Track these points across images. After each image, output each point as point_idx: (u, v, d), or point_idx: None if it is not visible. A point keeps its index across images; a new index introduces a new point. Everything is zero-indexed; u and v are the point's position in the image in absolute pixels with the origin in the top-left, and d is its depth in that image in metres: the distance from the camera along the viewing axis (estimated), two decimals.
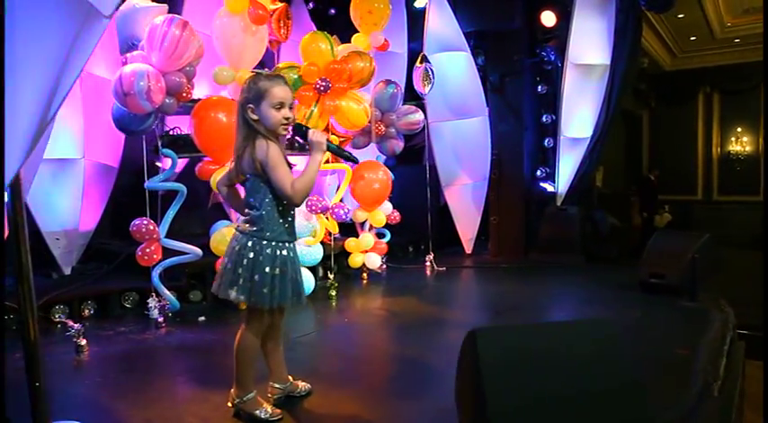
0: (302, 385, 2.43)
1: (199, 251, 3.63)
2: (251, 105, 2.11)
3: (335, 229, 4.53)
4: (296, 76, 3.98)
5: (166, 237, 3.58)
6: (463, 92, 5.85)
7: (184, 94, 3.48)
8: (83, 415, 2.19)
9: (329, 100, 3.99)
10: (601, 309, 3.96)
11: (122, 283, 3.99)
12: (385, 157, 5.28)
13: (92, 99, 4.25)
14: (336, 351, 3.23)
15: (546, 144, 6.01)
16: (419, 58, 5.28)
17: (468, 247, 6.21)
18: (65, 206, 4.23)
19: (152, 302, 3.59)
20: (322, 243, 4.39)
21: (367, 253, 4.86)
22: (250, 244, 2.13)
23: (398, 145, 5.10)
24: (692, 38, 9.37)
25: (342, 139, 4.67)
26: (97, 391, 2.56)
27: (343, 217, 4.24)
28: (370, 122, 4.67)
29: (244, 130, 2.15)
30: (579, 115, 5.66)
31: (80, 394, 2.53)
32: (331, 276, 4.44)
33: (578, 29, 5.43)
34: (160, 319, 3.54)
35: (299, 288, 2.22)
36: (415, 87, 5.26)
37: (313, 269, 4.44)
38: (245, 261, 2.12)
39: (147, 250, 3.47)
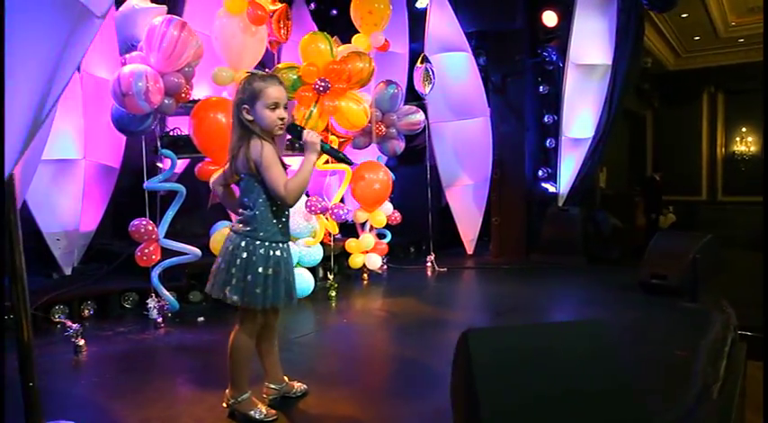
0: (298, 386, 2.42)
1: (198, 252, 3.63)
2: (246, 106, 2.12)
3: (335, 230, 4.53)
4: (295, 77, 3.98)
5: (168, 237, 3.59)
6: (464, 92, 5.84)
7: (183, 95, 3.49)
8: (78, 415, 2.20)
9: (329, 100, 3.98)
10: (601, 310, 3.94)
11: (122, 284, 4.00)
12: (386, 157, 5.27)
13: (92, 100, 4.27)
14: (334, 351, 3.23)
15: (548, 144, 5.98)
16: (420, 58, 5.27)
17: (470, 248, 6.19)
18: (65, 207, 4.24)
19: (151, 303, 3.60)
20: (322, 244, 4.39)
21: (367, 253, 4.85)
22: (243, 244, 2.13)
23: (399, 145, 5.09)
24: (696, 37, 9.33)
25: (342, 140, 4.67)
26: (93, 392, 2.56)
27: (343, 217, 4.23)
28: (370, 123, 4.67)
29: (239, 131, 2.15)
30: (581, 115, 5.64)
31: (76, 394, 2.53)
32: (331, 277, 4.43)
33: (579, 29, 5.41)
34: (159, 320, 3.55)
35: (291, 289, 2.22)
36: (416, 88, 5.25)
37: (313, 270, 4.43)
38: (238, 261, 2.12)
39: (146, 251, 3.48)
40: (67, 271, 4.31)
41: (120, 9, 3.61)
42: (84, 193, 4.38)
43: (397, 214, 4.94)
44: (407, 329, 3.58)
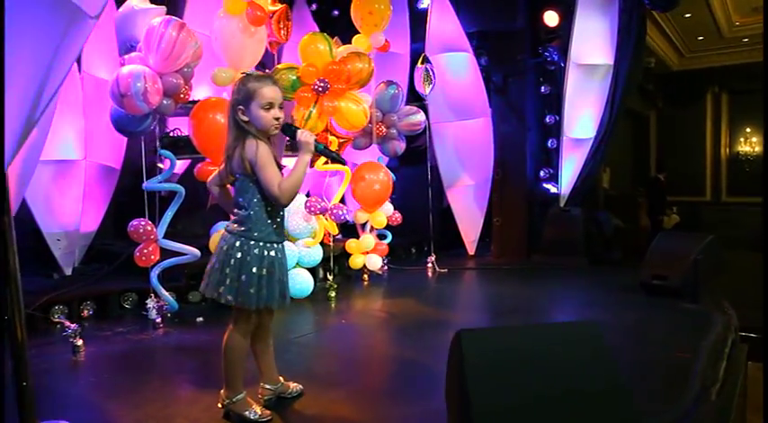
0: (293, 386, 2.42)
1: (197, 252, 3.63)
2: (241, 107, 2.12)
3: (335, 231, 4.52)
4: (294, 77, 3.98)
5: (168, 238, 3.60)
6: (465, 93, 5.83)
7: (182, 96, 3.49)
8: (74, 415, 2.20)
9: (328, 101, 3.98)
10: (602, 311, 3.92)
11: (122, 284, 4.01)
12: (387, 158, 5.27)
13: (93, 101, 4.28)
14: (333, 352, 3.22)
15: (549, 145, 5.96)
16: (420, 58, 5.27)
17: (471, 249, 6.18)
18: (65, 207, 4.25)
19: (150, 303, 3.60)
20: (322, 244, 4.39)
21: (368, 254, 4.84)
22: (238, 244, 2.13)
23: (400, 146, 5.09)
24: (700, 37, 9.29)
25: (342, 141, 4.67)
26: (90, 391, 2.57)
27: (342, 218, 4.23)
28: (370, 123, 4.67)
29: (234, 131, 2.16)
30: (583, 116, 5.61)
31: (73, 394, 2.54)
32: (330, 278, 4.43)
33: (580, 29, 5.38)
34: (158, 320, 3.55)
35: (285, 289, 2.22)
36: (416, 88, 5.25)
37: (313, 270, 4.44)
38: (232, 261, 2.12)
39: (145, 251, 3.48)
40: (68, 271, 4.32)
41: (120, 10, 3.62)
42: (85, 193, 4.39)
43: (398, 215, 4.94)
44: (407, 330, 3.57)
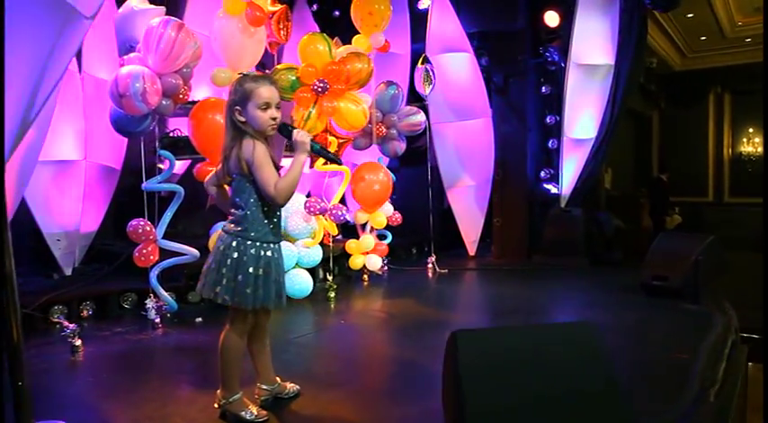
0: (290, 387, 2.42)
1: (196, 252, 3.63)
2: (238, 107, 2.13)
3: (334, 231, 4.52)
4: (294, 78, 3.98)
5: (169, 238, 3.60)
6: (466, 93, 5.83)
7: (181, 96, 3.49)
8: (70, 415, 2.20)
9: (327, 101, 3.98)
10: (602, 311, 3.91)
11: (121, 284, 4.01)
12: (387, 158, 5.27)
13: (93, 101, 4.29)
14: (331, 352, 3.22)
15: (550, 145, 5.95)
16: (420, 58, 5.27)
17: (472, 250, 6.17)
18: (65, 207, 4.25)
19: (149, 303, 3.60)
20: (322, 244, 4.39)
21: (368, 255, 4.84)
22: (234, 244, 2.14)
23: (400, 146, 5.08)
24: (702, 38, 9.27)
25: (341, 141, 4.67)
26: (87, 391, 2.57)
27: (342, 218, 4.22)
28: (370, 124, 4.67)
29: (231, 132, 2.17)
30: (583, 116, 5.60)
31: (70, 394, 2.54)
32: (330, 278, 4.43)
33: (581, 29, 5.37)
34: (157, 320, 3.55)
35: (281, 290, 2.22)
36: (416, 88, 5.24)
37: (313, 270, 4.44)
38: (228, 261, 2.12)
39: (144, 251, 3.48)
40: (68, 271, 4.33)
41: (119, 10, 3.62)
42: (85, 193, 4.39)
43: (398, 215, 4.94)
44: (406, 331, 3.57)
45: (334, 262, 4.70)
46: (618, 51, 5.37)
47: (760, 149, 10.22)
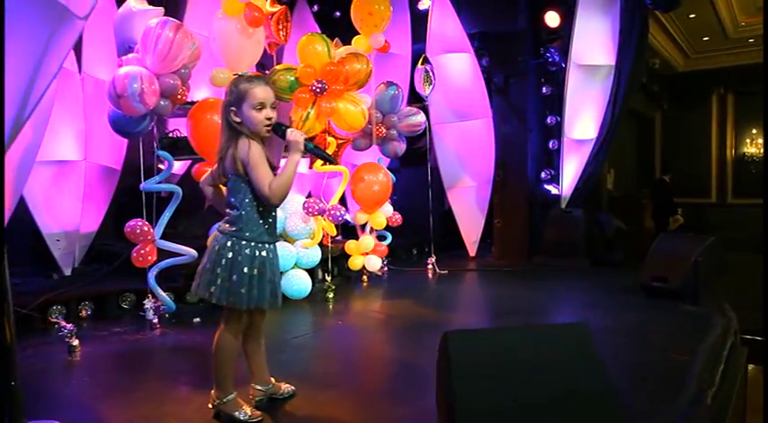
0: (285, 387, 2.41)
1: (194, 252, 3.63)
2: (233, 108, 2.14)
3: (333, 231, 4.52)
4: (293, 78, 3.97)
5: (169, 238, 3.61)
6: (467, 94, 5.82)
7: (179, 97, 3.50)
8: (64, 415, 2.20)
9: (326, 102, 3.97)
10: (601, 312, 3.89)
11: (120, 285, 4.02)
12: (388, 159, 5.27)
13: (93, 102, 4.30)
14: (328, 353, 3.22)
15: (550, 146, 5.93)
16: (420, 59, 5.26)
17: (472, 250, 6.16)
18: (65, 208, 4.26)
19: (148, 304, 3.60)
20: (321, 245, 4.39)
21: (367, 255, 4.83)
22: (229, 244, 2.14)
23: (400, 147, 5.08)
24: (705, 38, 9.22)
25: (341, 141, 4.67)
26: (83, 391, 2.57)
27: (340, 219, 4.22)
28: (370, 124, 4.66)
29: (227, 132, 2.18)
30: (584, 117, 5.58)
31: (65, 394, 2.55)
32: (328, 279, 4.42)
33: (581, 29, 5.35)
34: (155, 321, 3.55)
35: (276, 290, 2.21)
36: (416, 89, 5.24)
37: (312, 271, 4.43)
38: (223, 261, 2.12)
39: (142, 252, 3.49)
40: (67, 272, 4.34)
41: (118, 11, 3.63)
42: (85, 194, 4.40)
43: (398, 216, 4.93)
44: (403, 331, 3.56)
45: (334, 263, 4.70)
46: (619, 52, 5.35)
47: (763, 150, 10.17)
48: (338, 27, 5.61)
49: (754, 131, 10.24)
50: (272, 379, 2.38)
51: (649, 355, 2.96)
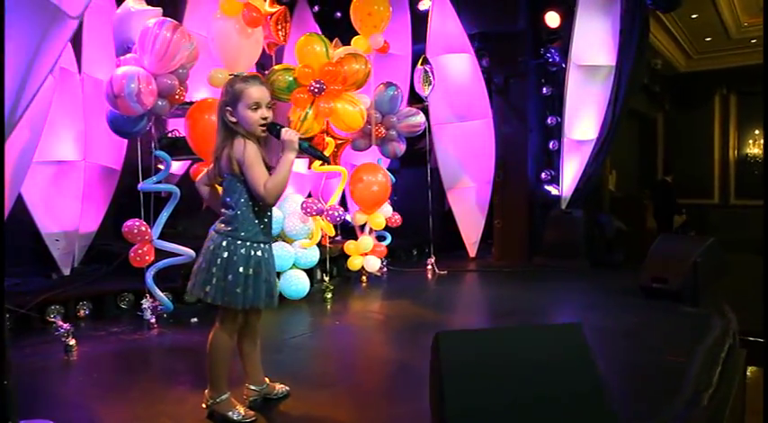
0: (279, 387, 2.41)
1: (192, 252, 3.62)
2: (229, 108, 2.14)
3: (331, 232, 4.51)
4: (291, 78, 3.98)
5: (170, 239, 3.61)
6: (467, 94, 5.81)
7: (177, 97, 3.50)
8: (58, 414, 2.20)
9: (324, 102, 3.97)
10: (600, 314, 3.87)
11: (119, 285, 4.02)
12: (388, 159, 5.26)
13: (93, 102, 4.30)
14: (324, 353, 3.21)
15: (551, 146, 5.91)
16: (420, 59, 5.26)
17: (472, 251, 6.15)
18: (64, 208, 4.27)
19: (146, 304, 3.61)
20: (321, 245, 4.39)
21: (366, 256, 4.83)
22: (224, 244, 2.14)
23: (400, 147, 5.07)
24: (707, 38, 9.18)
25: (340, 142, 4.66)
26: (77, 391, 2.58)
27: (338, 219, 4.21)
28: (369, 124, 4.66)
29: (223, 132, 2.18)
30: (584, 117, 5.56)
31: (59, 393, 2.55)
32: (326, 279, 4.42)
33: (581, 29, 5.34)
34: (153, 321, 3.55)
35: (272, 289, 2.22)
36: (416, 89, 5.24)
37: (310, 271, 4.43)
38: (218, 260, 2.13)
39: (140, 251, 3.49)
40: (66, 272, 4.35)
41: (117, 11, 3.64)
42: (85, 194, 4.41)
43: (397, 217, 4.92)
44: (401, 332, 3.56)
45: (334, 263, 4.69)
46: (619, 52, 5.33)
47: (763, 151, 10.13)
48: (339, 28, 5.61)
49: (756, 132, 10.19)
50: (267, 379, 2.38)
51: (647, 357, 2.94)
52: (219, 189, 2.32)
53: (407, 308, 4.19)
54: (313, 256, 4.30)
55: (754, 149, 10.20)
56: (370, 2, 4.51)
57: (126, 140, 4.45)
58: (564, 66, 5.59)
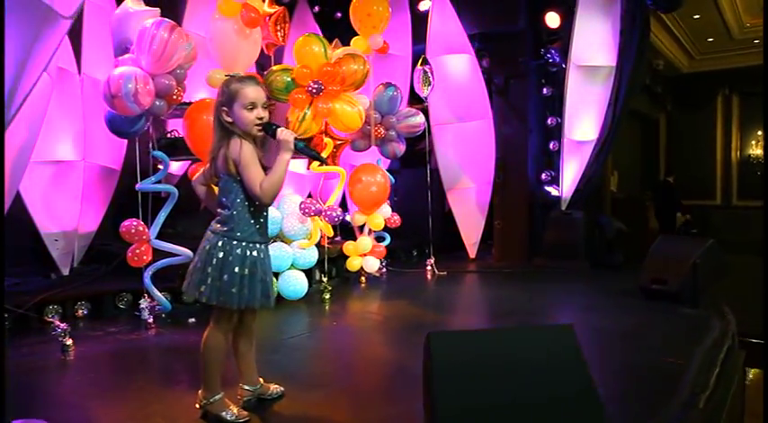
0: (273, 388, 2.41)
1: (189, 252, 3.63)
2: (225, 108, 2.14)
3: (330, 232, 4.51)
4: (289, 79, 3.98)
5: (170, 239, 3.61)
6: (467, 94, 5.80)
7: (175, 97, 3.50)
8: (52, 414, 2.20)
9: (322, 103, 3.97)
10: (600, 315, 3.85)
11: (117, 285, 4.03)
12: (388, 160, 5.26)
13: (92, 102, 4.31)
14: (320, 354, 3.21)
15: (551, 147, 5.90)
16: (420, 60, 5.26)
17: (472, 252, 6.14)
18: (64, 208, 4.28)
19: (143, 304, 3.61)
20: (319, 246, 4.39)
21: (365, 256, 4.82)
22: (220, 244, 2.15)
23: (399, 148, 5.07)
24: (710, 39, 9.16)
25: (339, 142, 4.66)
26: (72, 391, 2.58)
27: (336, 220, 4.21)
28: (368, 125, 4.65)
29: (219, 133, 2.18)
30: (584, 118, 5.55)
31: (54, 393, 2.55)
32: (325, 279, 4.42)
33: (581, 30, 5.32)
34: (150, 321, 3.56)
35: (268, 289, 2.21)
36: (415, 90, 5.23)
37: (309, 272, 4.43)
38: (214, 260, 2.13)
39: (137, 251, 3.49)
40: (65, 271, 4.35)
41: (115, 12, 3.65)
42: (84, 194, 4.42)
43: (397, 217, 4.91)
44: (398, 333, 3.55)
45: (333, 264, 4.69)
46: (619, 53, 5.32)
47: (763, 152, 10.09)
48: (339, 28, 5.60)
49: (759, 133, 10.16)
50: (261, 379, 2.38)
51: (645, 358, 2.93)
52: (216, 189, 2.32)
53: (406, 309, 4.18)
54: (311, 256, 4.30)
55: (757, 150, 10.17)
56: (370, 2, 4.51)
57: (125, 140, 4.46)
58: (564, 66, 5.58)
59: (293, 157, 2.22)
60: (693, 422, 2.23)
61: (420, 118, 5.03)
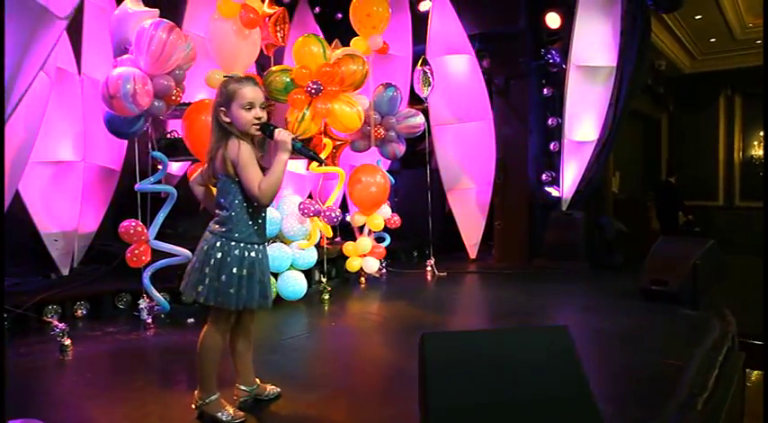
0: (270, 389, 2.41)
1: (188, 253, 3.63)
2: (222, 108, 2.15)
3: (329, 233, 4.51)
4: (288, 79, 3.98)
5: (170, 240, 3.61)
6: (467, 95, 5.80)
7: (173, 98, 3.51)
8: (49, 414, 2.21)
9: (321, 103, 3.97)
10: (599, 316, 3.85)
11: (116, 285, 4.04)
12: (388, 160, 5.25)
13: (92, 103, 4.32)
14: (318, 355, 3.21)
15: (551, 148, 5.89)
16: (420, 60, 5.25)
17: (473, 252, 6.13)
18: (63, 208, 4.29)
19: (142, 304, 3.62)
20: (319, 246, 4.38)
21: (365, 257, 4.82)
22: (218, 244, 2.15)
23: (399, 148, 5.06)
24: (712, 39, 9.13)
25: (338, 143, 4.66)
26: (70, 391, 2.58)
27: (335, 220, 4.21)
28: (368, 126, 4.65)
29: (217, 133, 2.18)
30: (585, 118, 5.54)
31: (52, 393, 2.56)
32: (324, 280, 4.42)
33: (581, 30, 5.31)
34: (149, 321, 3.56)
35: (266, 290, 2.21)
36: (415, 90, 5.23)
37: (309, 273, 4.43)
38: (212, 261, 2.13)
39: (136, 252, 3.50)
40: (65, 272, 4.36)
41: (115, 12, 3.65)
42: (84, 194, 4.43)
43: (397, 218, 4.91)
44: (397, 333, 3.55)
45: (332, 264, 4.68)
46: (620, 53, 5.30)
47: (763, 153, 10.05)
48: (340, 29, 5.60)
49: (761, 134, 10.12)
50: (257, 380, 2.38)
51: (644, 359, 2.92)
52: (214, 190, 2.32)
53: (405, 309, 4.18)
54: (311, 257, 4.30)
55: (759, 151, 10.13)
56: (370, 3, 4.51)
57: (125, 141, 4.46)
58: (564, 67, 5.57)
59: (292, 158, 2.22)
60: None
61: (420, 118, 5.03)
